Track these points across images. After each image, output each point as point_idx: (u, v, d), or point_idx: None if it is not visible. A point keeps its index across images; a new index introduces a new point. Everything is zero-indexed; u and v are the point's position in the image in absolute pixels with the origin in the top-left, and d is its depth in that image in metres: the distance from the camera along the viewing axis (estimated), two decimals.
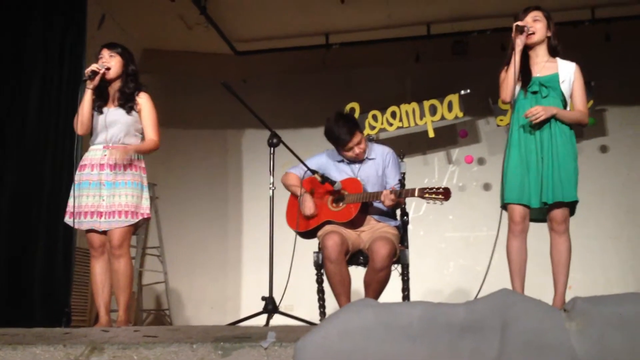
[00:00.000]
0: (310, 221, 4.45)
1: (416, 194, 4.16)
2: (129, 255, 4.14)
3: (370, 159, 4.51)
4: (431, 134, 7.36)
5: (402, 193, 4.25)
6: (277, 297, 4.02)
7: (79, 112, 4.13)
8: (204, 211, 7.90)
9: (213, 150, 8.15)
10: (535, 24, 3.86)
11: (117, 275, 4.07)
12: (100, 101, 4.19)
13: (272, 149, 4.22)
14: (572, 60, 3.92)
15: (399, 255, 4.28)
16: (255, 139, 7.48)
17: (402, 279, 4.40)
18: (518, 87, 3.85)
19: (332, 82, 7.76)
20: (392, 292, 4.24)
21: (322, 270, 4.36)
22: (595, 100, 6.81)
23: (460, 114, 7.26)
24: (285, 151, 4.31)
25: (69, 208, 4.11)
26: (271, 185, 4.22)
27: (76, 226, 4.07)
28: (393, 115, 7.45)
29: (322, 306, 4.45)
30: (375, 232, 4.30)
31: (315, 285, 4.43)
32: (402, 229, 4.54)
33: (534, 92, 3.84)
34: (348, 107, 7.37)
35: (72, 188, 4.10)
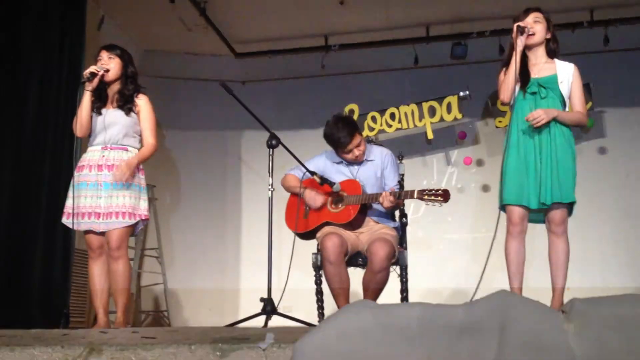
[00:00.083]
0: (309, 222, 4.45)
1: (415, 195, 4.16)
2: (127, 257, 4.14)
3: (369, 161, 4.51)
4: (430, 136, 7.36)
5: (401, 195, 4.25)
6: (275, 298, 4.01)
7: (77, 114, 4.13)
8: (202, 213, 7.90)
9: (212, 152, 8.14)
10: (536, 25, 3.87)
11: (115, 277, 4.07)
12: (99, 103, 4.19)
13: (271, 150, 4.22)
14: (570, 61, 3.93)
15: (398, 256, 4.28)
16: (254, 141, 7.45)
17: (401, 280, 4.40)
18: (517, 89, 3.86)
19: (331, 83, 7.76)
20: (390, 294, 4.24)
21: (320, 272, 4.37)
22: (594, 102, 6.81)
23: (459, 116, 7.26)
24: (284, 153, 4.30)
25: (66, 209, 4.11)
26: (270, 187, 4.22)
27: (74, 227, 4.07)
28: (392, 116, 7.45)
29: (320, 307, 4.45)
30: (374, 233, 4.30)
31: (314, 287, 4.43)
32: (401, 230, 4.54)
33: (533, 93, 3.84)
34: (347, 108, 7.37)
35: (71, 189, 4.10)
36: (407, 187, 4.61)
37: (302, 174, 4.48)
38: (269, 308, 3.95)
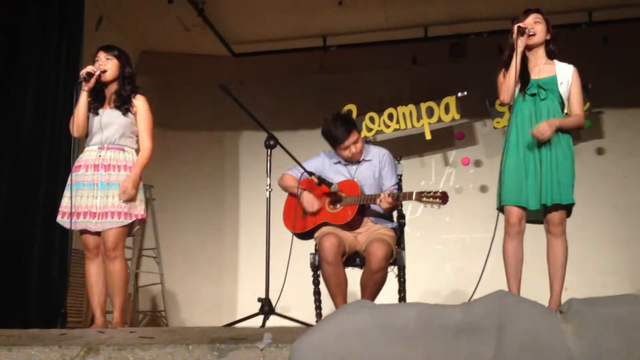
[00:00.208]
0: (307, 222, 4.45)
1: (414, 197, 4.16)
2: (123, 257, 4.13)
3: (366, 161, 4.51)
4: (428, 136, 7.36)
5: (399, 196, 4.26)
6: (273, 298, 4.01)
7: (74, 114, 4.13)
8: (200, 213, 7.90)
9: (210, 152, 8.14)
10: (536, 26, 3.87)
11: (112, 277, 4.07)
12: (97, 103, 4.18)
13: (269, 150, 4.22)
14: (569, 62, 3.93)
15: (396, 257, 4.28)
16: (252, 141, 7.48)
17: (399, 281, 4.40)
18: (517, 90, 3.86)
19: (330, 84, 7.76)
20: (388, 294, 4.24)
21: (318, 272, 4.36)
22: (592, 103, 6.81)
23: (457, 116, 7.26)
24: (282, 153, 4.30)
25: (62, 208, 4.11)
26: (268, 187, 4.22)
27: (69, 226, 4.06)
28: (390, 117, 7.45)
29: (318, 307, 4.45)
30: (371, 233, 4.30)
31: (312, 287, 4.43)
32: (399, 230, 4.54)
33: (533, 95, 3.84)
34: (345, 109, 7.37)
35: (69, 189, 4.09)
36: (405, 187, 4.61)
37: (300, 174, 4.47)
38: (266, 308, 3.95)
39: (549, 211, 3.78)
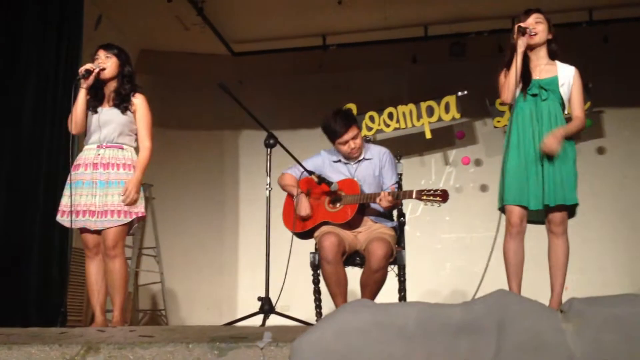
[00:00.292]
0: (306, 222, 4.45)
1: (414, 196, 4.16)
2: (123, 256, 4.13)
3: (366, 159, 4.50)
4: (428, 135, 7.36)
5: (399, 195, 4.25)
6: (273, 297, 4.01)
7: (72, 111, 4.13)
8: (200, 212, 7.90)
9: (209, 151, 8.15)
10: (538, 26, 3.86)
11: (112, 276, 4.06)
12: (96, 101, 4.18)
13: (268, 149, 4.21)
14: (569, 62, 3.92)
15: (396, 256, 4.27)
16: (252, 140, 7.48)
17: (399, 280, 4.40)
18: (518, 90, 3.85)
19: (329, 83, 7.76)
20: (388, 293, 4.23)
21: (318, 271, 4.36)
22: (593, 102, 6.81)
23: (458, 115, 7.26)
24: (282, 152, 4.30)
25: (61, 207, 4.11)
26: (268, 186, 4.22)
27: (70, 225, 4.06)
28: (390, 116, 7.45)
29: (318, 307, 4.44)
30: (371, 233, 4.30)
31: (312, 286, 4.42)
32: (399, 229, 4.54)
33: (534, 95, 3.84)
34: (345, 107, 7.36)
35: (68, 187, 4.09)
36: (405, 187, 4.61)
37: (300, 173, 4.47)
38: (266, 307, 3.95)
39: (550, 211, 3.78)
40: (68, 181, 4.11)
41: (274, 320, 3.96)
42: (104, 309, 4.16)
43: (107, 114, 4.14)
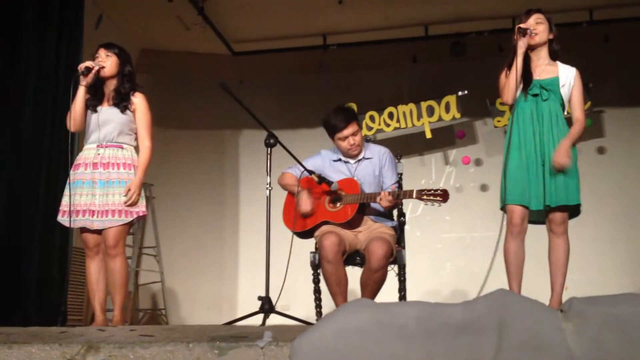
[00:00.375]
0: (307, 221, 4.45)
1: (414, 195, 4.15)
2: (124, 255, 4.13)
3: (366, 159, 4.50)
4: (428, 135, 7.36)
5: (399, 195, 4.25)
6: (273, 296, 4.01)
7: (71, 108, 4.13)
8: (200, 211, 7.90)
9: (210, 151, 8.15)
10: (538, 26, 3.86)
11: (113, 275, 4.07)
12: (95, 100, 4.18)
13: (269, 149, 4.21)
14: (570, 62, 3.92)
15: (396, 255, 4.27)
16: (252, 140, 7.48)
17: (399, 280, 4.40)
18: (519, 90, 3.85)
19: (330, 83, 7.75)
20: (388, 293, 4.24)
21: (318, 270, 4.36)
22: (593, 102, 6.81)
23: (458, 115, 7.26)
24: (282, 152, 4.30)
25: (62, 207, 4.10)
26: (268, 186, 4.22)
27: (70, 225, 4.06)
28: (390, 116, 7.45)
29: (318, 306, 4.44)
30: (372, 232, 4.30)
31: (312, 285, 4.42)
32: (399, 229, 4.53)
33: (535, 95, 3.84)
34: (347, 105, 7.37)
35: (69, 187, 4.09)
36: (406, 186, 4.60)
37: (300, 172, 4.47)
38: (266, 306, 3.95)
39: (551, 211, 3.78)
40: (69, 181, 4.11)
41: (274, 319, 3.95)
42: (104, 308, 4.16)
43: (107, 113, 4.14)
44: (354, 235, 4.34)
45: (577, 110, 3.86)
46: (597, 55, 6.85)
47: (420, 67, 7.58)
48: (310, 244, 4.50)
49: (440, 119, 7.33)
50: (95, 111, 4.15)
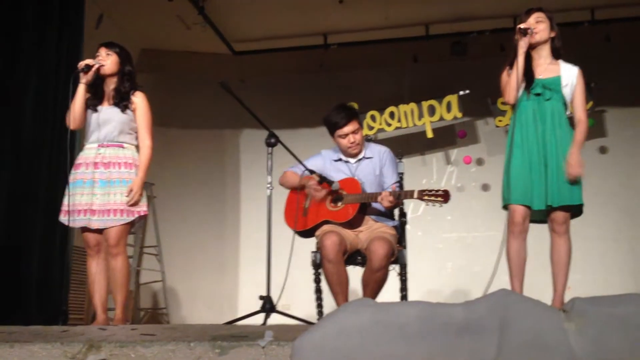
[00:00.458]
0: (308, 221, 4.44)
1: (415, 195, 4.15)
2: (125, 254, 4.13)
3: (367, 158, 4.50)
4: (430, 135, 7.36)
5: (401, 195, 4.25)
6: (274, 296, 4.01)
7: (71, 106, 4.13)
8: (201, 210, 7.90)
9: (211, 150, 8.15)
10: (539, 25, 3.84)
11: (114, 274, 4.07)
12: (96, 100, 4.18)
13: (270, 148, 4.21)
14: (572, 61, 3.91)
15: (397, 255, 4.27)
16: (253, 139, 7.46)
17: (400, 279, 4.39)
18: (521, 89, 3.84)
19: (330, 82, 7.75)
20: (389, 292, 4.23)
21: (319, 270, 4.35)
22: (595, 102, 6.81)
23: (459, 115, 7.26)
24: (283, 151, 4.30)
25: (64, 207, 4.10)
26: (269, 185, 4.22)
27: (69, 224, 4.06)
28: (391, 115, 7.45)
29: (319, 305, 4.44)
30: (373, 232, 4.29)
31: (313, 285, 4.42)
32: (400, 229, 4.53)
33: (537, 94, 3.83)
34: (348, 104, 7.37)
35: (67, 187, 4.09)
36: (407, 186, 4.60)
37: (301, 172, 4.46)
38: (268, 306, 3.95)
39: (553, 210, 3.77)
40: (69, 180, 4.11)
41: (275, 319, 3.95)
42: (106, 308, 4.16)
43: (107, 112, 4.14)
44: (355, 235, 4.34)
45: (579, 111, 3.86)
46: (599, 55, 6.84)
47: (421, 67, 7.58)
48: (311, 243, 4.49)
49: (441, 118, 7.33)
50: (96, 111, 4.15)
